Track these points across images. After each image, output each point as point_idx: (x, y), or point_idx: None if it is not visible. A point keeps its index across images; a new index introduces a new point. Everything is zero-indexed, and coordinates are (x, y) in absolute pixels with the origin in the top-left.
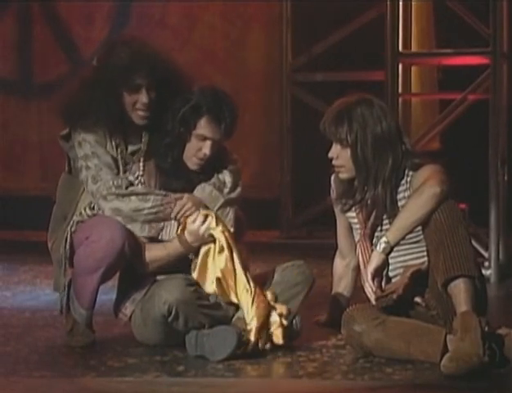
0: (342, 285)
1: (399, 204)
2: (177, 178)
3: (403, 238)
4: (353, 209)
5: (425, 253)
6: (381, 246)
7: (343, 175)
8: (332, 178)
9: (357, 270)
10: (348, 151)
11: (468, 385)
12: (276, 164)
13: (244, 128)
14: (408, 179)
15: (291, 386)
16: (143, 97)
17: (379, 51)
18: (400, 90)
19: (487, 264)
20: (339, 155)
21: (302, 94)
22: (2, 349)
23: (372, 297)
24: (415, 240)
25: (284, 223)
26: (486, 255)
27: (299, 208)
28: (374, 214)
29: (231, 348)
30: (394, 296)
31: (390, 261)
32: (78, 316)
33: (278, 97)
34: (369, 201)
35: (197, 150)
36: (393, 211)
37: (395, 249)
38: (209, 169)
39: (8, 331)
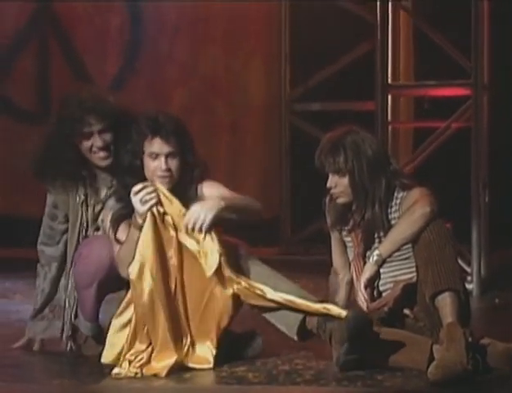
0: (337, 298)
1: (391, 223)
2: None
3: (394, 252)
4: (348, 231)
5: (414, 269)
6: (374, 258)
7: (342, 200)
8: (326, 205)
9: (351, 284)
10: (346, 179)
11: (453, 391)
12: (276, 185)
13: (246, 153)
14: (397, 201)
15: None
16: (96, 141)
17: (370, 82)
18: (389, 119)
19: (469, 278)
20: (337, 183)
21: (299, 122)
22: (27, 358)
23: (364, 305)
24: (404, 257)
25: (283, 240)
26: (468, 270)
27: (297, 226)
28: (366, 234)
29: None
30: (386, 309)
31: (381, 276)
32: (84, 328)
33: (277, 125)
34: (367, 222)
35: (154, 169)
36: (386, 230)
37: (386, 265)
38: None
39: (30, 341)
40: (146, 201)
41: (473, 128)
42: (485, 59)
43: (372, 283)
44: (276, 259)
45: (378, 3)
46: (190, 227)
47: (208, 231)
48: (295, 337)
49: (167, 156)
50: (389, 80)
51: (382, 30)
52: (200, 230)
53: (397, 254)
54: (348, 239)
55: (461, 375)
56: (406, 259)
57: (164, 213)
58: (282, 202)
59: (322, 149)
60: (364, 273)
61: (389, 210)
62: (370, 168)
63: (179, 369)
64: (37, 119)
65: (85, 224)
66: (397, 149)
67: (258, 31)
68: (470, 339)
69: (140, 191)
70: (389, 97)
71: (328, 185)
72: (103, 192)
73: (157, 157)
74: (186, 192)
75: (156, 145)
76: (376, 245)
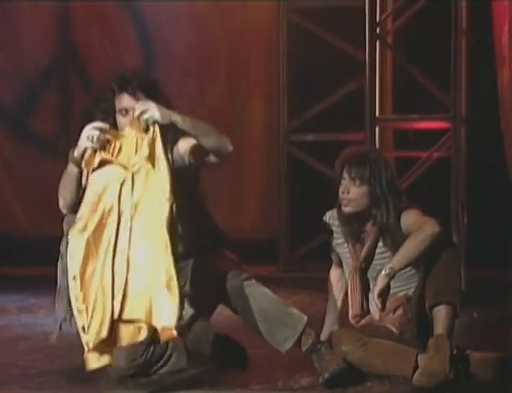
0: (338, 287)
1: None
2: None
3: (406, 267)
4: (347, 243)
5: (412, 286)
6: (386, 271)
7: (348, 209)
8: (329, 216)
9: (345, 298)
10: (361, 188)
11: None
12: (275, 208)
13: (248, 179)
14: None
15: None
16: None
17: (360, 115)
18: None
19: None
20: (351, 191)
21: (296, 151)
22: (48, 367)
23: (377, 315)
24: (406, 275)
25: (281, 258)
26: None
27: (294, 246)
28: (367, 246)
29: None
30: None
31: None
32: None
33: (276, 153)
34: (386, 230)
35: (125, 124)
36: (394, 244)
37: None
38: None
39: (54, 352)
40: (90, 140)
41: (453, 157)
42: (463, 95)
43: (384, 295)
44: (274, 276)
45: (367, 43)
46: (136, 114)
47: (152, 129)
48: (282, 351)
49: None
50: (377, 114)
51: (370, 68)
52: (144, 121)
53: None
54: (345, 252)
55: (444, 383)
56: (407, 277)
57: (108, 161)
58: (281, 224)
59: (347, 157)
60: (377, 285)
61: None
62: (388, 183)
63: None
64: (59, 149)
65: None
66: None
67: (257, 71)
68: (455, 351)
69: (93, 129)
70: (377, 128)
71: (341, 191)
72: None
73: (127, 113)
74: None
75: (124, 101)
76: (377, 257)
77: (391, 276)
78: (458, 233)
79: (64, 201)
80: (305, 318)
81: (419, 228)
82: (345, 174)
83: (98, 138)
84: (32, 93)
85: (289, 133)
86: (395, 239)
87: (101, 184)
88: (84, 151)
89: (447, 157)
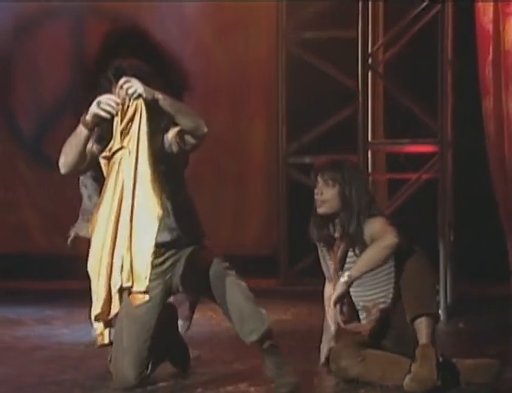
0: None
1: None
2: None
3: (364, 274)
4: (327, 248)
5: (387, 292)
6: (344, 278)
7: (322, 210)
8: (311, 221)
9: None
10: (335, 190)
11: None
12: (275, 226)
13: (249, 199)
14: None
15: None
16: None
17: (354, 139)
18: (370, 171)
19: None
20: (325, 192)
21: (294, 173)
22: (62, 376)
23: (332, 321)
24: (377, 280)
25: (280, 273)
26: (437, 298)
27: (293, 261)
28: (341, 249)
29: None
30: (366, 334)
31: (356, 295)
32: None
33: (275, 175)
34: (350, 236)
35: None
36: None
37: (360, 286)
38: None
39: (66, 361)
40: (102, 109)
41: (440, 179)
42: (449, 120)
43: (342, 300)
44: (275, 289)
45: (359, 73)
46: (122, 83)
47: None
48: (248, 343)
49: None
50: (369, 138)
51: (363, 96)
52: (127, 92)
53: (372, 275)
54: (327, 255)
55: (433, 389)
56: (379, 282)
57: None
58: (280, 240)
59: (321, 163)
60: (336, 291)
61: None
62: (359, 190)
63: (191, 385)
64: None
65: None
66: (375, 196)
67: (258, 98)
68: (441, 359)
69: (108, 98)
70: (369, 152)
71: (315, 193)
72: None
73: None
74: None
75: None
76: (349, 260)
77: (348, 283)
78: (445, 251)
79: (65, 158)
80: (271, 320)
81: (380, 236)
82: (319, 178)
83: (109, 112)
84: (48, 121)
85: (288, 156)
86: (360, 246)
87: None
88: (94, 115)
89: (435, 179)
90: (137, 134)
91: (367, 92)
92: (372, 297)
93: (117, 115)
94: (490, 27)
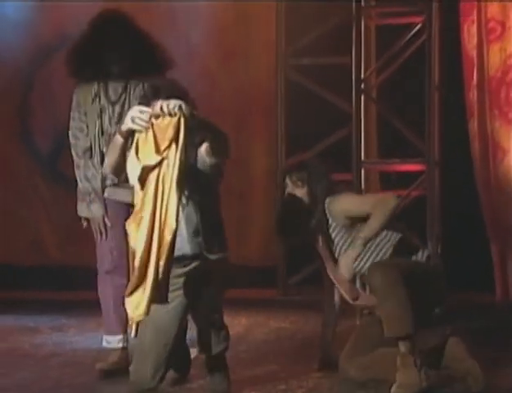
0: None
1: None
2: None
3: (374, 236)
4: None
5: (388, 251)
6: (359, 241)
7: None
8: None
9: None
10: (303, 190)
11: None
12: (274, 240)
13: (251, 215)
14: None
15: None
16: (117, 46)
17: (348, 159)
18: (363, 187)
19: None
20: (295, 192)
21: None
22: (76, 380)
23: (349, 295)
24: (376, 243)
25: (280, 284)
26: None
27: (291, 273)
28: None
29: None
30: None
31: (361, 264)
32: None
33: (274, 190)
34: (317, 223)
35: None
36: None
37: (366, 253)
38: None
39: (80, 366)
40: (136, 124)
41: (428, 196)
42: (436, 141)
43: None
44: (274, 299)
45: (353, 97)
46: (162, 103)
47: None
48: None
49: None
50: (362, 157)
51: (356, 118)
52: (169, 110)
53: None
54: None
55: (419, 392)
56: (378, 245)
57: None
58: (279, 254)
59: (288, 167)
60: (353, 253)
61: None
62: (320, 183)
63: (199, 389)
64: None
65: (99, 126)
66: None
67: (259, 120)
68: (419, 363)
69: (141, 112)
70: (363, 170)
71: (286, 192)
72: (115, 96)
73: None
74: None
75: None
76: (337, 241)
77: (365, 244)
78: (433, 261)
79: (109, 163)
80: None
81: (381, 201)
82: (287, 181)
83: (142, 127)
84: (63, 141)
85: (287, 172)
86: (335, 223)
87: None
88: (128, 129)
89: (423, 196)
90: (177, 147)
91: (360, 115)
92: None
93: (149, 128)
94: (474, 54)
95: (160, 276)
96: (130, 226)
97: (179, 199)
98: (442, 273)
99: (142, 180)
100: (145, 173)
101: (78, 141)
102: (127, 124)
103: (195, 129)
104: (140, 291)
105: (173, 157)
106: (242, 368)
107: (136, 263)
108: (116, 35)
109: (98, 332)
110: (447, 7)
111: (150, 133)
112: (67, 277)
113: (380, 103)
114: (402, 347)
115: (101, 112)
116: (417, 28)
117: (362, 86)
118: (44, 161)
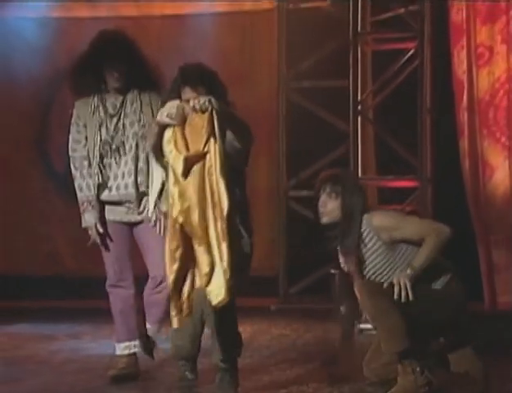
0: None
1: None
2: None
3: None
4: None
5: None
6: (408, 271)
7: (325, 220)
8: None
9: None
10: (336, 202)
11: None
12: (276, 251)
13: (254, 227)
14: (365, 225)
15: None
16: (115, 65)
17: None
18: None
19: None
20: (327, 204)
21: (293, 205)
22: (90, 385)
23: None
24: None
25: (281, 293)
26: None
27: (292, 283)
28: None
29: None
30: None
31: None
32: None
33: (277, 206)
34: (350, 241)
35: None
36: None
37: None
38: None
39: (94, 372)
40: (169, 118)
41: (421, 211)
42: (428, 159)
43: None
44: (276, 307)
45: (351, 118)
46: (195, 102)
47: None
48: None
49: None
50: (360, 174)
51: (354, 138)
52: (201, 107)
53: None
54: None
55: None
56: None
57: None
58: (281, 265)
59: (323, 177)
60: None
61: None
62: (354, 197)
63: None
64: None
65: (98, 137)
66: None
67: (262, 138)
68: (418, 369)
69: (172, 109)
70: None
71: (319, 205)
72: (114, 110)
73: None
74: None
75: (187, 93)
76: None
77: (413, 277)
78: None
79: (149, 144)
80: None
81: (435, 230)
82: (322, 191)
83: (173, 121)
84: None
85: (288, 190)
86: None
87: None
88: (163, 122)
89: (416, 211)
90: (215, 140)
91: (357, 134)
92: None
93: (181, 123)
94: (464, 78)
95: (227, 259)
96: (178, 218)
97: (226, 185)
98: (455, 301)
99: (185, 170)
100: (188, 163)
101: (75, 152)
102: (163, 119)
103: (223, 119)
104: (215, 278)
105: (213, 149)
106: (246, 372)
107: (202, 252)
108: (115, 54)
109: (111, 339)
110: (439, 34)
111: (187, 127)
112: (82, 286)
113: (376, 123)
114: (402, 358)
115: (99, 124)
116: (410, 53)
117: (359, 107)
118: (60, 180)
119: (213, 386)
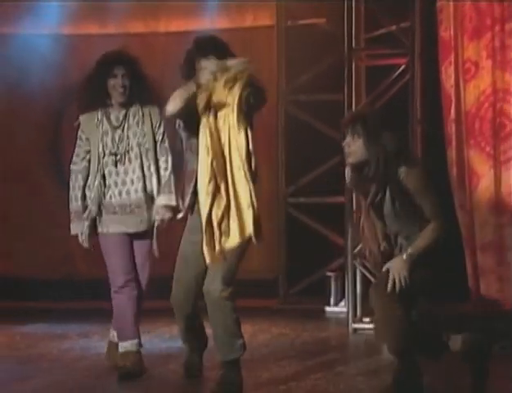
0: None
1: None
2: None
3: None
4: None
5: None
6: (405, 257)
7: (351, 159)
8: (346, 171)
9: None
10: (360, 141)
11: None
12: (275, 255)
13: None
14: (402, 175)
15: None
16: (119, 81)
17: (341, 183)
18: (354, 209)
19: None
20: (351, 144)
21: (292, 210)
22: (99, 381)
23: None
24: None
25: (281, 294)
26: None
27: (291, 284)
28: (374, 187)
29: None
30: None
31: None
32: None
33: (277, 212)
34: (375, 179)
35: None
36: (393, 186)
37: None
38: None
39: (104, 369)
40: (204, 78)
41: None
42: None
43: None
44: (276, 308)
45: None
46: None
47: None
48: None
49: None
50: None
51: None
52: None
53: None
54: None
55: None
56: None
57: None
58: (280, 266)
59: (346, 119)
60: (399, 269)
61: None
62: (383, 138)
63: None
64: None
65: (102, 147)
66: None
67: (262, 148)
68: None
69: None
70: (354, 194)
71: (344, 144)
72: (117, 122)
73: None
74: None
75: (202, 62)
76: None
77: (409, 261)
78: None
79: (174, 105)
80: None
81: (436, 221)
82: (345, 133)
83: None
84: None
85: (287, 197)
86: (393, 187)
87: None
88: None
89: None
90: (234, 96)
91: None
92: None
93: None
94: (452, 92)
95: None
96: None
97: (245, 132)
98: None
99: (206, 106)
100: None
101: (74, 165)
102: (196, 79)
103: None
104: (232, 223)
105: (232, 102)
106: (247, 369)
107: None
108: (119, 71)
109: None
110: (428, 50)
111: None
112: (92, 288)
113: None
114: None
115: (103, 136)
116: (402, 68)
117: None
118: None
119: (215, 383)
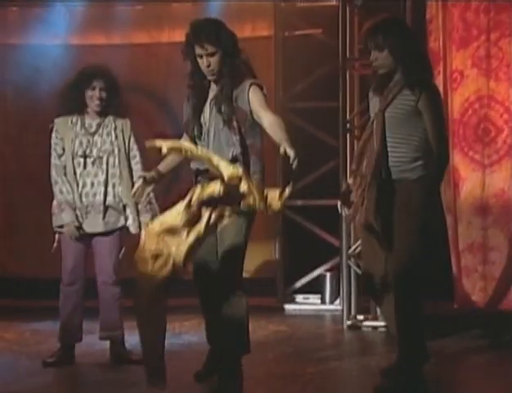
0: None
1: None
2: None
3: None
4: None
5: None
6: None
7: (382, 71)
8: (370, 93)
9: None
10: (383, 52)
11: None
12: (273, 255)
13: (253, 234)
14: (417, 95)
15: None
16: (96, 93)
17: (337, 187)
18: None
19: None
20: (377, 57)
21: (288, 213)
22: (106, 375)
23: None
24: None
25: (278, 292)
26: None
27: (288, 283)
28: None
29: None
30: None
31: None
32: None
33: (274, 215)
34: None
35: (204, 67)
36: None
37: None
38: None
39: (108, 364)
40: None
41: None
42: None
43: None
44: (273, 306)
45: (340, 135)
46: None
47: None
48: None
49: (209, 55)
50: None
51: (343, 153)
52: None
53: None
54: (376, 103)
55: None
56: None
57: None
58: (278, 266)
59: (364, 31)
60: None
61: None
62: (407, 46)
63: None
64: None
65: (74, 149)
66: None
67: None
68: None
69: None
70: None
71: (370, 59)
72: (91, 128)
73: (201, 57)
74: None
75: (197, 49)
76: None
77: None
78: None
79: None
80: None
81: (438, 147)
82: (369, 45)
83: None
84: None
85: (284, 200)
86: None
87: None
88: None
89: None
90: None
91: (346, 150)
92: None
93: None
94: None
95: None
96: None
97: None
98: None
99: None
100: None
101: (55, 160)
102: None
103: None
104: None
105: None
106: (245, 365)
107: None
108: (97, 83)
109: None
110: None
111: None
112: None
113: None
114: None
115: (76, 138)
116: None
117: (348, 126)
118: None
119: (215, 381)
